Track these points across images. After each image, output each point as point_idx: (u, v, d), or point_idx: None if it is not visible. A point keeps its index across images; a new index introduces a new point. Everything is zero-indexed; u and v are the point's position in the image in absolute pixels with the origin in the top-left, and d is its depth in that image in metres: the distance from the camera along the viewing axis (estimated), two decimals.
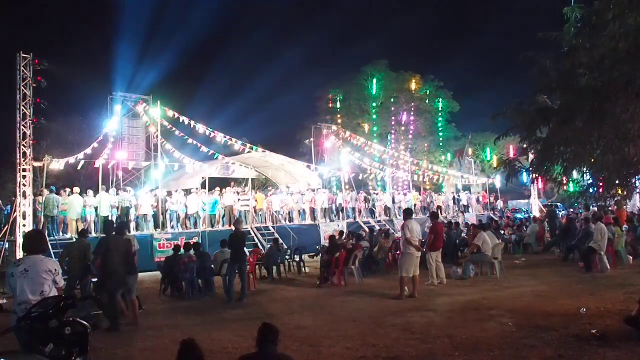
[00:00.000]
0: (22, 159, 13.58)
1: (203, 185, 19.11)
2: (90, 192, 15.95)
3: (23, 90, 13.57)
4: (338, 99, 39.11)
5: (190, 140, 18.39)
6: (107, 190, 16.38)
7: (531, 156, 9.51)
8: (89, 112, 27.15)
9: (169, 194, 18.14)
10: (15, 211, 13.58)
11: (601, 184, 8.62)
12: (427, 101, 39.58)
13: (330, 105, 39.05)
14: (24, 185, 13.60)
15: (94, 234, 14.75)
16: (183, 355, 3.35)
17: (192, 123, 18.19)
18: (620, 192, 8.77)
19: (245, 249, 10.60)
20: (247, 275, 10.27)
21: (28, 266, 4.23)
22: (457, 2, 69.32)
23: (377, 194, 24.79)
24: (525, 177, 9.69)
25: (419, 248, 9.54)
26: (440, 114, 40.55)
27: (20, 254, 12.08)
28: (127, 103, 17.90)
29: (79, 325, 3.64)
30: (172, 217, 17.37)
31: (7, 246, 13.32)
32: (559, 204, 28.25)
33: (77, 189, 15.41)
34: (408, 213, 10.09)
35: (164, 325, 7.83)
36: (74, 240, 11.43)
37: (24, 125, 13.56)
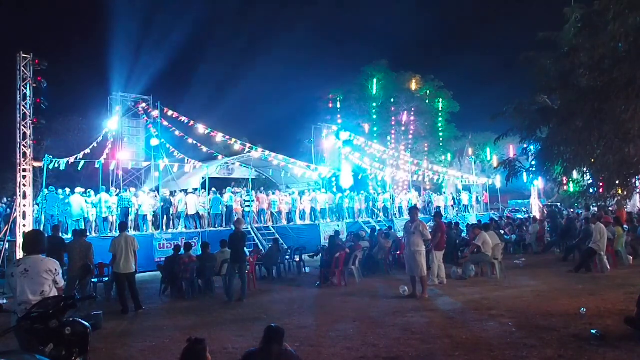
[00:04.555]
0: (22, 159, 13.58)
1: (203, 185, 19.12)
2: (90, 193, 15.94)
3: (23, 90, 13.57)
4: (338, 99, 39.13)
5: (190, 140, 18.41)
6: (107, 191, 16.39)
7: (531, 156, 9.52)
8: (89, 112, 27.17)
9: (171, 194, 18.16)
10: (15, 211, 13.58)
11: (601, 184, 8.63)
12: (427, 101, 39.60)
13: (330, 105, 39.08)
14: (24, 185, 13.60)
15: (93, 234, 14.77)
16: (189, 354, 3.35)
17: (192, 122, 18.22)
18: (620, 192, 8.78)
19: (245, 249, 10.59)
20: (247, 275, 10.27)
21: (28, 266, 4.23)
22: (458, 2, 69.37)
23: (377, 194, 24.77)
24: (525, 177, 9.70)
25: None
26: (440, 114, 40.56)
27: (20, 254, 12.08)
28: (126, 103, 17.93)
29: (79, 325, 3.63)
30: (174, 217, 17.39)
31: (7, 246, 13.33)
32: (558, 204, 28.25)
33: (78, 189, 15.42)
34: (415, 210, 10.10)
35: (164, 325, 7.83)
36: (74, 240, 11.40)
37: (24, 125, 13.56)
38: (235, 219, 14.27)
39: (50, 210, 14.52)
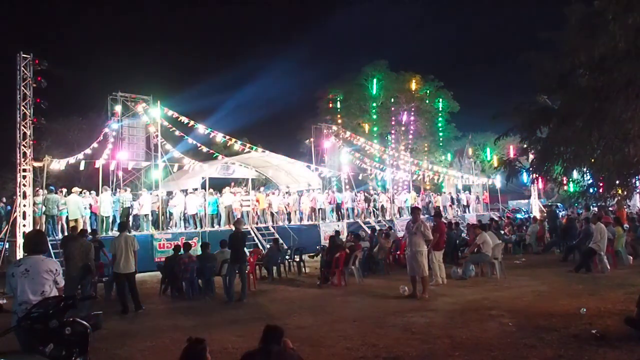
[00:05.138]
0: (22, 159, 13.58)
1: (203, 186, 19.13)
2: (88, 192, 15.94)
3: (23, 90, 13.57)
4: (338, 99, 39.10)
5: (190, 140, 18.42)
6: (107, 190, 16.39)
7: (531, 156, 9.52)
8: (89, 112, 27.19)
9: (169, 194, 18.15)
10: (15, 211, 13.58)
11: (601, 184, 8.63)
12: (427, 101, 39.58)
13: (330, 105, 39.05)
14: (24, 185, 13.60)
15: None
16: (189, 354, 3.36)
17: (192, 123, 18.22)
18: (620, 192, 8.78)
19: (245, 249, 10.59)
20: (247, 275, 10.26)
21: (29, 266, 4.23)
22: (458, 2, 69.38)
23: (377, 194, 24.77)
24: (525, 177, 9.69)
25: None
26: (440, 114, 40.55)
27: (20, 254, 12.08)
28: (127, 103, 17.92)
29: (79, 325, 3.64)
30: (173, 217, 17.38)
31: (7, 246, 13.33)
32: (559, 204, 28.25)
33: (76, 189, 15.41)
34: (417, 210, 10.09)
35: (164, 325, 7.84)
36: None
37: (24, 125, 13.56)
38: (235, 219, 14.29)
39: (50, 211, 14.51)
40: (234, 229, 10.60)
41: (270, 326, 3.84)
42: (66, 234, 14.54)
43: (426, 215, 20.54)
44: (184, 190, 18.58)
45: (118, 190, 17.15)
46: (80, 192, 15.55)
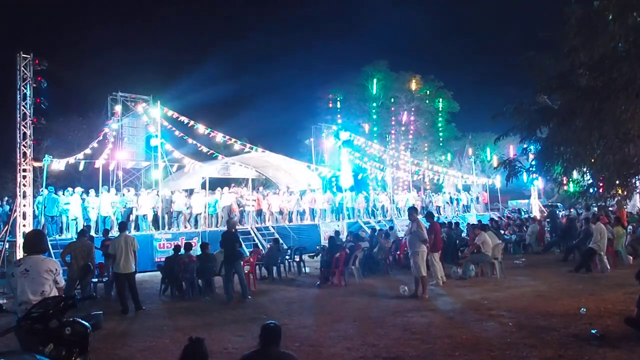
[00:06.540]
0: (22, 159, 13.58)
1: (203, 186, 19.12)
2: (92, 192, 15.95)
3: (23, 90, 13.57)
4: (338, 99, 39.14)
5: (190, 140, 18.42)
6: (108, 190, 16.39)
7: (531, 156, 9.53)
8: (89, 112, 27.22)
9: (173, 193, 18.15)
10: (15, 211, 13.58)
11: (601, 184, 8.63)
12: (427, 101, 39.60)
13: (330, 105, 39.08)
14: (24, 185, 13.61)
15: (94, 234, 14.75)
16: (189, 353, 3.34)
17: (192, 123, 18.22)
18: (620, 192, 8.78)
19: (241, 248, 10.51)
20: (246, 275, 10.22)
21: (29, 266, 4.23)
22: (458, 2, 69.37)
23: (377, 194, 24.77)
24: (525, 177, 9.70)
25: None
26: (440, 114, 40.57)
27: (20, 254, 12.07)
28: (127, 103, 17.94)
29: (79, 325, 3.63)
30: (174, 217, 17.37)
31: (7, 246, 13.32)
32: (558, 204, 28.25)
33: (78, 189, 15.42)
34: (415, 211, 10.04)
35: (164, 325, 7.83)
36: (74, 239, 11.40)
37: (24, 125, 13.56)
38: (228, 219, 14.23)
39: (50, 212, 14.50)
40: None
41: (267, 327, 3.71)
42: (70, 234, 14.58)
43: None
44: (188, 190, 18.56)
45: (123, 190, 17.14)
46: (85, 192, 15.57)
